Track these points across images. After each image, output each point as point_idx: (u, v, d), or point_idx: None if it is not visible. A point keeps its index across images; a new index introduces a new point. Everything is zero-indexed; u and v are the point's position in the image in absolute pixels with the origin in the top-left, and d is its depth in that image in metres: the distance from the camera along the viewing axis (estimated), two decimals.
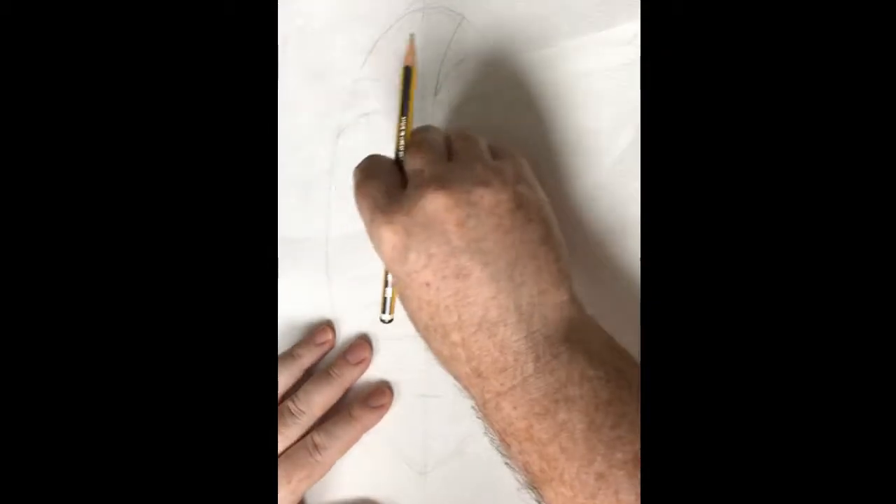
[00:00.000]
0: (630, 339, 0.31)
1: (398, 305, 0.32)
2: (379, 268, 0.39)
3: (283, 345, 0.42)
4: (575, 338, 0.28)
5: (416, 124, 0.39)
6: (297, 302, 0.43)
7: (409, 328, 0.38)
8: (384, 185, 0.30)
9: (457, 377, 0.29)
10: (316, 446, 0.37)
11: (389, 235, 0.28)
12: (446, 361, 0.29)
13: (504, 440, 0.28)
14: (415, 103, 0.39)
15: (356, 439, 0.38)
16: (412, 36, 0.34)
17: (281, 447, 0.37)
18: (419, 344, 0.38)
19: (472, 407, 0.30)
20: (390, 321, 0.34)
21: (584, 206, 0.33)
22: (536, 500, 0.28)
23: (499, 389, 0.27)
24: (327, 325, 0.41)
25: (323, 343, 0.41)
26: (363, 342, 0.40)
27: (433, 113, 0.38)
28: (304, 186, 0.43)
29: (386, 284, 0.34)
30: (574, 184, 0.33)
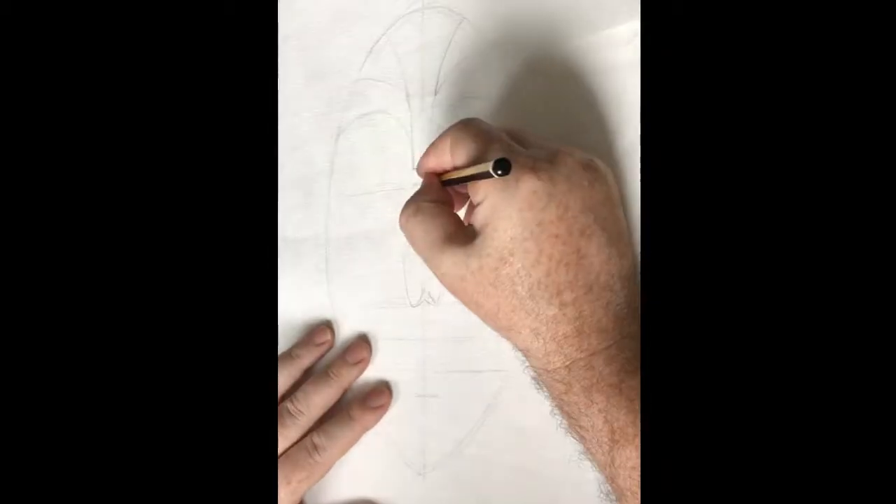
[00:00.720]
0: None
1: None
2: (376, 267, 0.39)
3: (282, 345, 0.42)
4: None
5: (416, 123, 0.39)
6: (296, 302, 0.43)
7: (408, 329, 0.38)
8: (505, 136, 0.30)
9: (544, 338, 0.28)
10: (315, 447, 0.37)
11: (533, 181, 0.27)
12: (544, 322, 0.28)
13: (589, 396, 0.27)
14: (414, 102, 0.39)
15: (355, 440, 0.38)
16: None
17: (280, 448, 0.37)
18: (418, 344, 0.38)
19: (533, 377, 0.30)
20: None
21: None
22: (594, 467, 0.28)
23: (595, 348, 0.27)
24: (326, 326, 0.41)
25: (322, 343, 0.41)
26: (362, 342, 0.40)
27: (433, 113, 0.38)
28: (304, 186, 0.43)
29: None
30: None
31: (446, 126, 0.38)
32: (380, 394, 0.39)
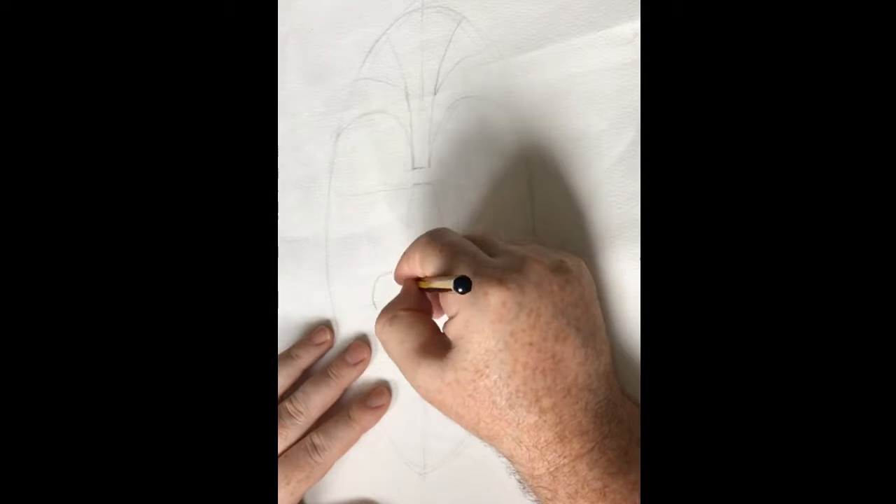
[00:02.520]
0: (629, 339, 0.31)
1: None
2: (376, 267, 0.39)
3: (282, 345, 0.42)
4: (628, 400, 0.30)
5: (415, 123, 0.39)
6: (297, 302, 0.43)
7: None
8: (473, 247, 0.30)
9: (527, 446, 0.28)
10: (315, 447, 0.37)
11: (502, 292, 0.27)
12: (526, 430, 0.28)
13: (574, 503, 0.28)
14: (414, 102, 0.39)
15: (355, 440, 0.38)
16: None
17: (280, 448, 0.37)
18: None
19: (519, 481, 0.30)
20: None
21: (584, 206, 0.33)
22: None
23: (578, 452, 0.27)
24: (325, 326, 0.41)
25: (321, 343, 0.41)
26: (362, 343, 0.40)
27: (432, 113, 0.38)
28: (304, 186, 0.43)
29: None
30: (574, 184, 0.33)
31: (446, 126, 0.38)
32: (379, 394, 0.39)
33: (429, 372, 0.29)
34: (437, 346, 0.29)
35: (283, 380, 0.40)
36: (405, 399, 0.38)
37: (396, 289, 0.39)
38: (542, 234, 0.34)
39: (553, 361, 0.27)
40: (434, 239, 0.30)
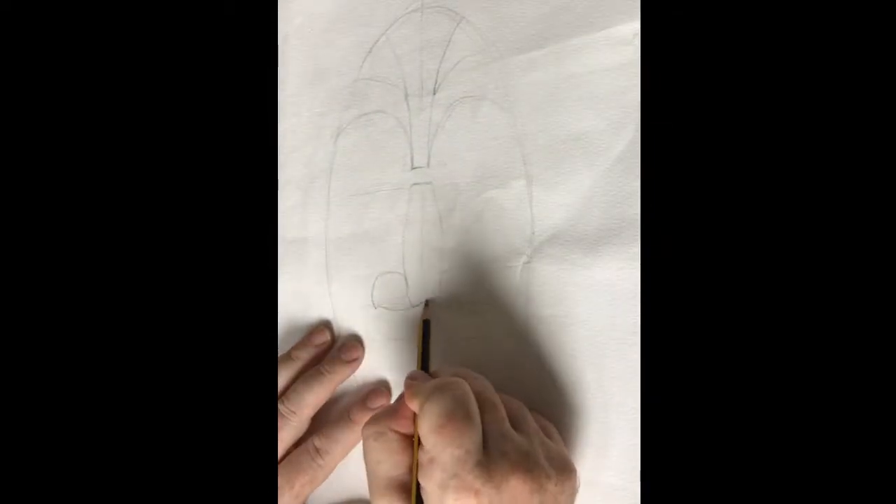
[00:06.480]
0: (628, 337, 0.31)
1: None
2: (376, 267, 0.39)
3: (282, 345, 0.42)
4: None
5: (415, 123, 0.39)
6: (297, 302, 0.43)
7: (407, 329, 0.38)
8: (474, 440, 0.28)
9: None
10: (317, 450, 0.37)
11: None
12: None
13: None
14: (413, 102, 0.39)
15: (356, 442, 0.38)
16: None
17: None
18: (416, 345, 0.38)
19: None
20: None
21: (583, 205, 0.33)
22: None
23: None
24: (324, 327, 0.41)
25: (320, 344, 0.41)
26: (355, 342, 0.40)
27: (432, 113, 0.38)
28: (304, 187, 0.43)
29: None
30: (573, 184, 0.33)
31: (445, 126, 0.38)
32: (379, 395, 0.38)
33: None
34: (406, 490, 0.29)
35: (283, 381, 0.40)
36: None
37: (397, 288, 0.39)
38: (541, 234, 0.34)
39: None
40: (458, 408, 0.29)
